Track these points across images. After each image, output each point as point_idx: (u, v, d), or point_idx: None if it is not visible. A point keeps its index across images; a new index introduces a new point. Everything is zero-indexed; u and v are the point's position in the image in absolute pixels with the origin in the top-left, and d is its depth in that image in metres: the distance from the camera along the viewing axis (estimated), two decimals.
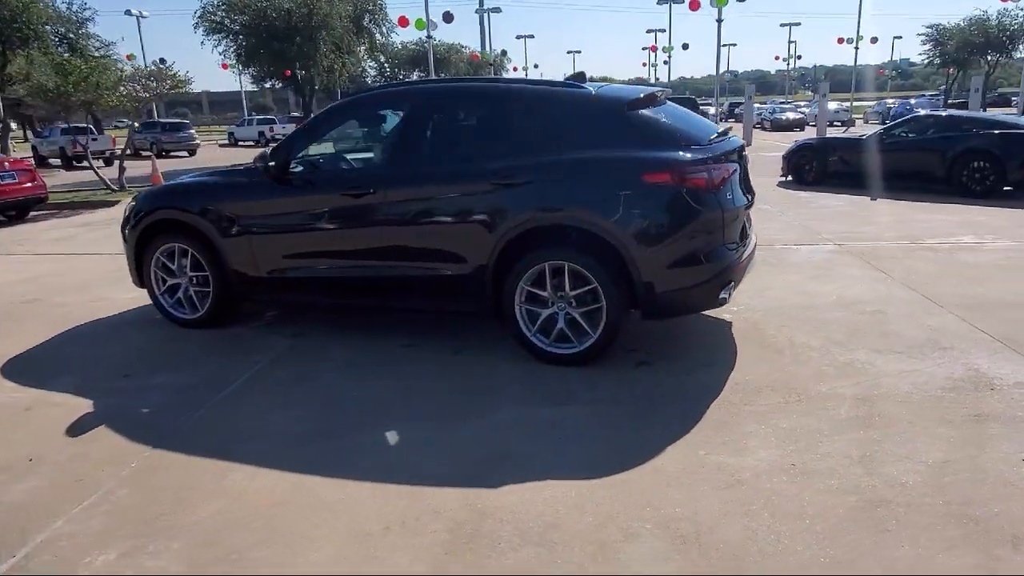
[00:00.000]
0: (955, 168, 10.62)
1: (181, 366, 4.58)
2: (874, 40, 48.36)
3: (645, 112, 4.27)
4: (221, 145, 41.68)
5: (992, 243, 7.44)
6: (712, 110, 34.61)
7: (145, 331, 5.36)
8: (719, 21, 29.38)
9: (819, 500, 2.84)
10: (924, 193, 10.85)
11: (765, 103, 47.29)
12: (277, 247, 4.85)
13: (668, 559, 2.52)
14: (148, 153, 28.91)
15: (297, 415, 3.82)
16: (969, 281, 5.92)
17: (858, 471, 3.05)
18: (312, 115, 26.69)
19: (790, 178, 12.97)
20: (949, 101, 39.83)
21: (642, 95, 4.36)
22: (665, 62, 50.21)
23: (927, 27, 40.81)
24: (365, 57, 30.74)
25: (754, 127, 27.35)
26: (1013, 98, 41.26)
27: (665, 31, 51.35)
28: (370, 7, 28.37)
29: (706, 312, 4.78)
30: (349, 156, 5.67)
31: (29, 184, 11.52)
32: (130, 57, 32.50)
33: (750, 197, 4.55)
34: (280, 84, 32.58)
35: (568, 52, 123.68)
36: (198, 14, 25.32)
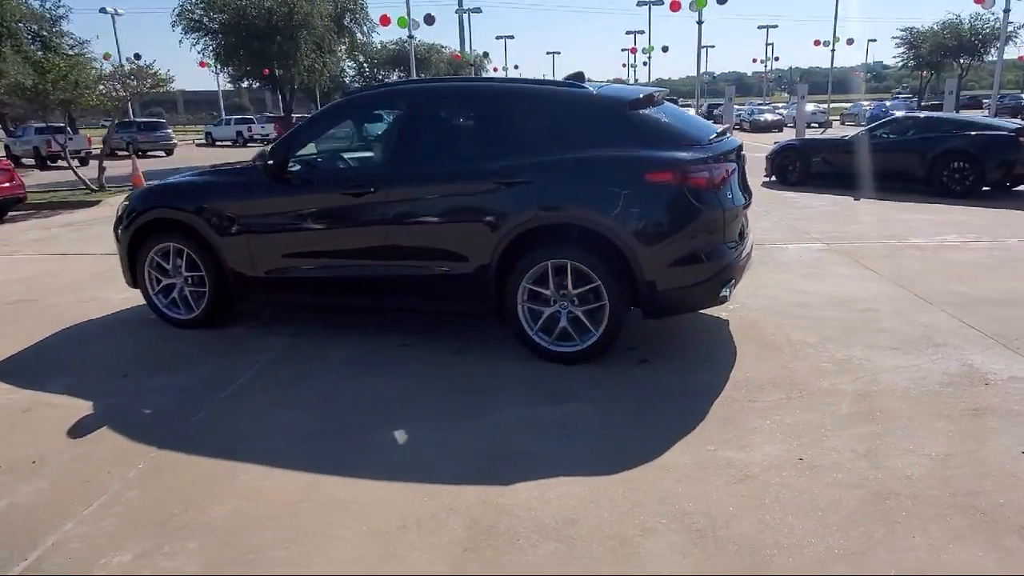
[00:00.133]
0: (935, 169, 10.82)
1: (179, 366, 4.54)
2: (850, 42, 49.26)
3: (646, 112, 4.31)
4: (198, 145, 41.23)
5: (975, 242, 7.59)
6: (692, 111, 34.87)
7: (139, 331, 5.30)
8: (699, 23, 29.64)
9: (828, 493, 2.89)
10: (905, 193, 11.04)
11: (743, 104, 47.72)
12: (276, 246, 4.82)
13: (686, 553, 2.55)
14: (124, 153, 28.55)
15: (300, 415, 3.80)
16: (956, 279, 6.04)
17: (864, 465, 3.11)
18: (290, 114, 26.36)
19: (774, 178, 13.12)
20: (923, 103, 40.49)
21: (642, 95, 4.40)
22: (644, 63, 50.50)
23: (901, 30, 41.59)
24: (343, 57, 30.58)
25: (733, 128, 27.62)
26: (984, 100, 42.11)
27: (644, 32, 51.72)
28: (351, 6, 28.26)
29: (704, 310, 4.82)
30: (349, 155, 5.64)
31: (7, 184, 11.31)
32: (107, 56, 32.02)
33: (748, 197, 4.61)
34: (257, 84, 32.35)
35: (548, 53, 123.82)
36: (176, 12, 25.05)
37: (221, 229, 4.90)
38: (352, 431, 3.60)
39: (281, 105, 55.58)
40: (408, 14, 29.70)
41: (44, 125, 19.80)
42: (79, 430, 3.66)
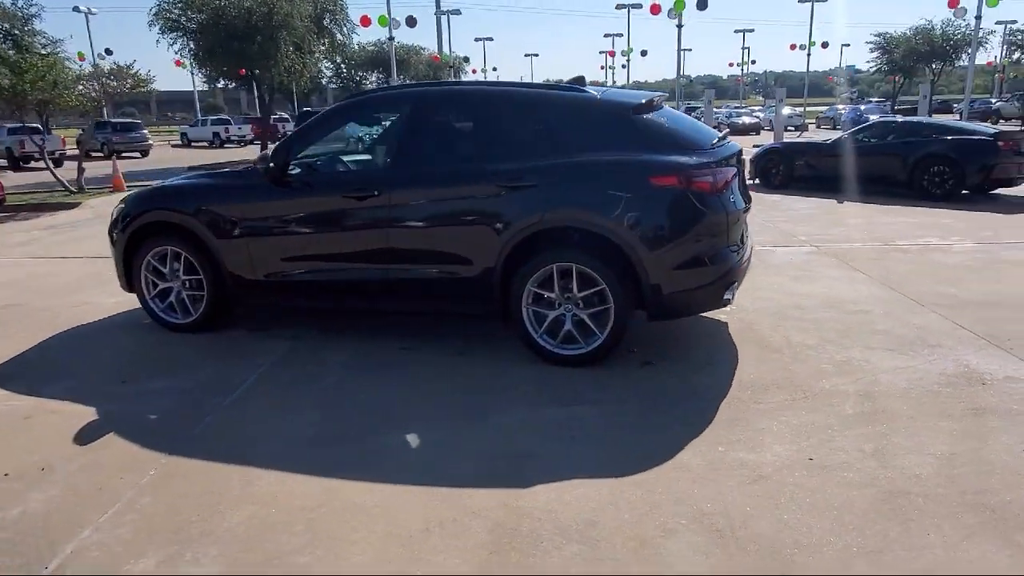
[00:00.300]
0: (916, 172, 11.03)
1: (179, 371, 4.50)
2: (825, 45, 49.88)
3: (649, 116, 4.36)
4: (174, 146, 40.78)
5: (959, 245, 7.75)
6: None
7: (135, 335, 5.24)
8: (679, 26, 29.91)
9: (841, 493, 2.95)
10: (887, 196, 11.24)
11: (720, 108, 48.22)
12: (277, 250, 4.80)
13: (708, 553, 2.58)
14: (99, 154, 28.12)
15: (307, 419, 3.79)
16: (943, 281, 6.16)
17: (873, 464, 3.17)
18: (269, 115, 25.98)
19: (757, 181, 13.28)
20: (896, 108, 41.17)
21: (644, 100, 4.45)
22: (623, 66, 50.82)
23: (875, 35, 42.14)
24: (321, 58, 30.30)
25: None
26: (955, 105, 42.94)
27: (622, 35, 52.02)
28: (331, 7, 28.00)
29: (705, 313, 4.88)
30: (351, 158, 5.63)
31: None
32: (81, 57, 31.50)
33: (748, 201, 4.67)
34: (233, 84, 32.00)
35: (526, 55, 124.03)
36: (153, 12, 24.67)
37: (220, 232, 4.87)
38: (361, 434, 3.60)
39: (259, 106, 55.12)
40: (389, 13, 29.63)
41: (20, 125, 19.44)
42: (85, 436, 3.62)
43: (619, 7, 45.15)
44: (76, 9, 42.02)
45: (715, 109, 37.87)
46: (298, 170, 4.87)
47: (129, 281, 5.28)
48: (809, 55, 44.38)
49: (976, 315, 5.19)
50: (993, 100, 44.43)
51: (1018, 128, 17.76)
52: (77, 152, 29.88)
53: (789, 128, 38.27)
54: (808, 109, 47.41)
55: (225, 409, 3.92)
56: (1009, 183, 10.99)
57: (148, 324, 5.33)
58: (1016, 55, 42.36)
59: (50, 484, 3.16)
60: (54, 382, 4.33)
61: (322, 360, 4.64)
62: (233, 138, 40.16)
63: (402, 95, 5.06)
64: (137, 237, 5.15)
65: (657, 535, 2.70)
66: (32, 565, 2.59)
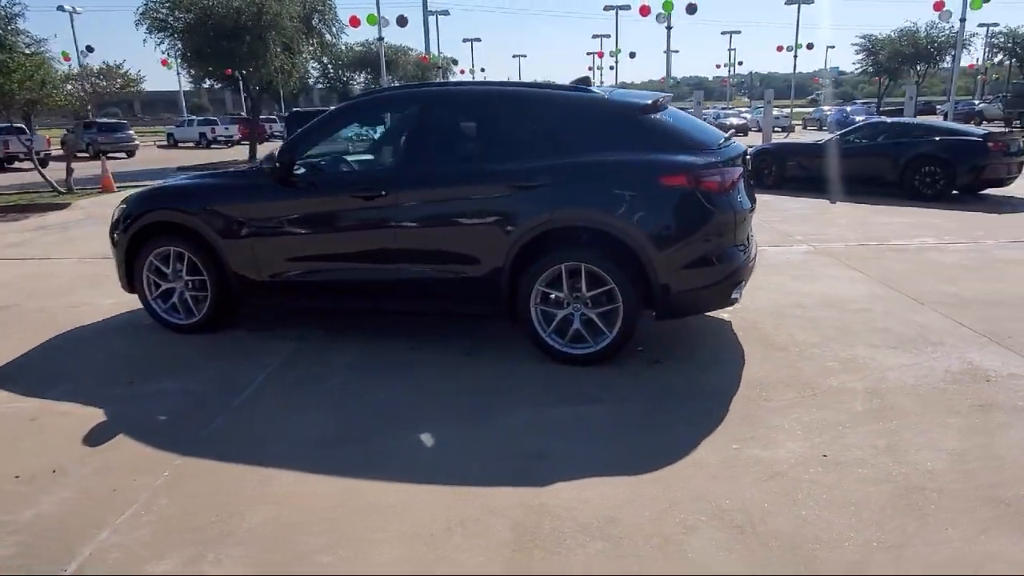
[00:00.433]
0: (907, 173, 11.14)
1: (184, 372, 4.46)
2: (810, 47, 50.30)
3: (657, 117, 4.38)
4: (160, 146, 40.48)
5: (953, 244, 7.84)
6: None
7: (136, 337, 5.19)
8: (668, 28, 30.04)
9: (858, 488, 2.97)
10: (878, 196, 11.34)
11: (708, 109, 48.48)
12: (282, 250, 4.78)
13: (731, 549, 2.60)
14: (84, 154, 27.81)
15: (318, 420, 3.78)
16: (942, 280, 6.23)
17: (886, 460, 3.20)
18: (258, 115, 25.79)
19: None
20: (881, 109, 41.57)
21: (651, 101, 4.47)
22: (611, 67, 50.98)
23: (860, 37, 42.58)
24: (308, 58, 30.14)
25: None
26: (938, 106, 43.40)
27: (610, 36, 52.16)
28: (320, 7, 27.89)
29: (711, 311, 4.91)
30: (357, 158, 5.61)
31: None
32: (66, 57, 31.17)
33: (753, 201, 4.70)
34: (219, 84, 31.81)
35: (514, 56, 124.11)
36: (140, 12, 24.47)
37: (225, 232, 4.84)
38: (373, 435, 3.59)
39: (246, 106, 54.71)
40: (378, 11, 29.57)
41: (7, 125, 19.19)
42: (94, 438, 3.58)
43: (607, 8, 45.31)
44: (61, 8, 41.64)
45: (704, 110, 38.07)
46: (303, 170, 4.86)
47: (130, 282, 5.23)
48: (796, 57, 44.73)
49: (976, 314, 5.25)
50: (976, 102, 44.90)
51: (1002, 129, 17.97)
52: (62, 152, 29.75)
53: (776, 129, 38.58)
54: (794, 110, 47.74)
55: (234, 410, 3.90)
56: (999, 183, 11.12)
57: (149, 325, 5.29)
58: (998, 57, 42.96)
59: (62, 486, 3.12)
60: (57, 384, 4.29)
61: (328, 361, 4.62)
62: (220, 138, 39.90)
63: (410, 95, 5.05)
64: (139, 238, 5.11)
65: (678, 532, 2.71)
66: (50, 567, 2.56)
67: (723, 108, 53.75)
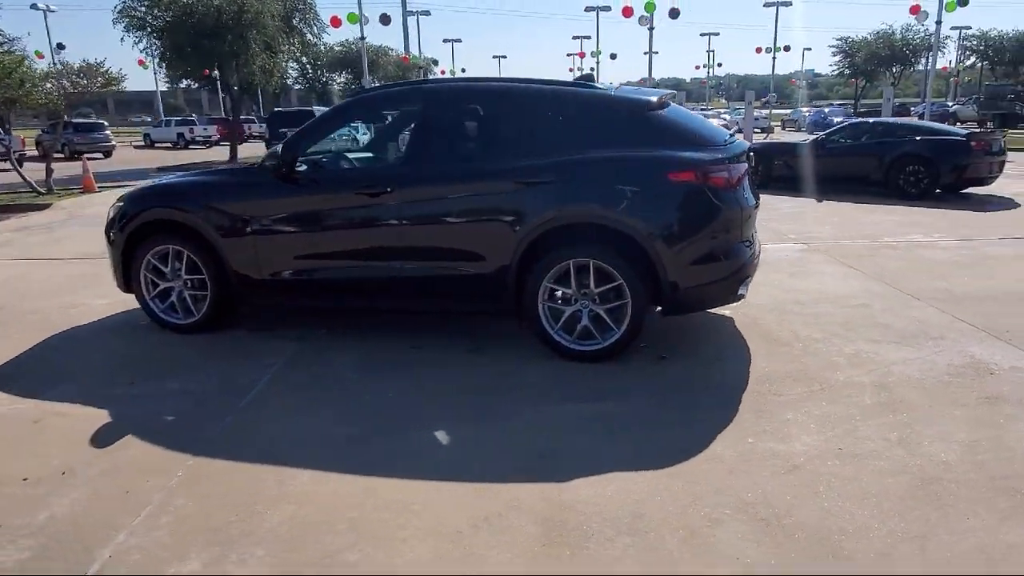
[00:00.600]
0: (892, 172, 11.30)
1: (187, 372, 4.40)
2: (787, 49, 50.69)
3: (663, 113, 4.39)
4: (136, 147, 39.94)
5: (942, 241, 7.96)
6: None
7: (134, 337, 5.11)
8: (651, 29, 30.21)
9: (876, 480, 3.00)
10: (864, 195, 11.49)
11: (691, 110, 48.88)
12: (284, 248, 4.73)
13: (758, 542, 2.61)
14: (59, 155, 27.32)
15: (329, 419, 3.74)
16: (935, 277, 6.32)
17: (900, 452, 3.24)
18: (238, 115, 25.50)
19: None
20: (858, 111, 42.16)
21: (657, 97, 4.48)
22: (592, 68, 51.12)
23: (838, 39, 43.22)
24: (286, 59, 29.90)
25: None
26: (912, 108, 44.06)
27: (591, 38, 52.38)
28: (300, 6, 27.69)
29: (717, 307, 4.94)
30: (359, 155, 5.56)
31: None
32: (39, 55, 30.63)
33: (757, 198, 4.73)
34: (197, 85, 31.47)
35: (494, 56, 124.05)
36: (118, 9, 24.11)
37: (225, 230, 4.78)
38: (385, 433, 3.56)
39: (224, 106, 54.08)
40: (360, 11, 29.40)
41: None
42: (102, 439, 3.51)
43: (588, 9, 45.46)
44: (34, 6, 40.90)
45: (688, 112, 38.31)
46: (305, 167, 4.81)
47: (127, 281, 5.14)
48: (775, 59, 45.21)
49: (971, 309, 5.32)
50: (949, 103, 45.69)
51: (985, 129, 18.30)
52: (37, 153, 29.19)
53: (755, 130, 38.94)
54: (773, 112, 48.23)
55: (241, 411, 3.85)
56: (980, 182, 11.31)
57: (146, 325, 5.21)
58: (971, 60, 43.73)
59: (73, 488, 3.06)
60: (58, 385, 4.21)
61: (332, 360, 4.58)
62: (198, 139, 39.44)
63: (416, 91, 5.03)
64: (136, 236, 5.02)
65: (704, 525, 2.71)
66: (70, 570, 2.51)
67: (702, 109, 54.16)
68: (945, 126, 13.09)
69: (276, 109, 30.18)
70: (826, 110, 40.95)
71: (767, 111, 45.32)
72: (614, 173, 4.17)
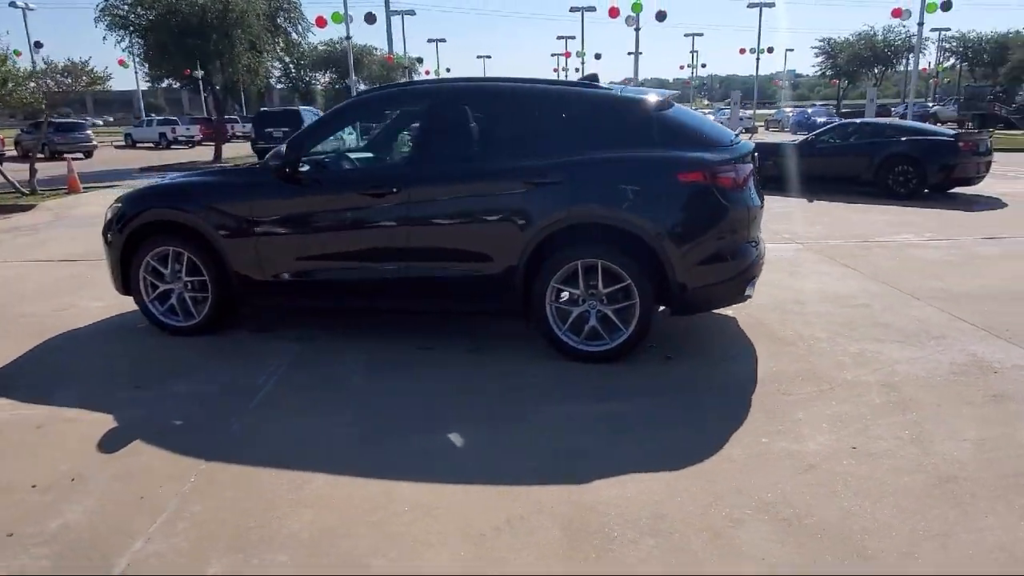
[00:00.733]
0: (881, 172, 11.42)
1: (191, 375, 4.34)
2: (770, 50, 51.20)
3: (670, 114, 4.40)
4: (117, 146, 39.47)
5: (933, 241, 8.05)
6: None
7: (133, 339, 5.04)
8: (637, 30, 30.31)
9: (893, 479, 3.02)
10: (854, 195, 11.60)
11: None
12: (287, 249, 4.68)
13: (782, 542, 2.61)
14: (39, 155, 26.92)
15: (340, 421, 3.71)
16: (930, 276, 6.38)
17: (914, 451, 3.26)
18: (223, 115, 25.31)
19: None
20: (840, 111, 42.57)
21: (661, 98, 4.48)
22: (577, 69, 51.24)
23: (820, 40, 43.61)
24: (271, 58, 29.71)
25: None
26: (892, 108, 44.55)
27: (575, 38, 52.48)
28: (285, 5, 27.52)
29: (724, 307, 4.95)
30: (364, 154, 5.51)
31: None
32: (17, 53, 30.16)
33: (762, 198, 4.75)
34: (179, 84, 31.20)
35: (478, 56, 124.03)
36: (100, 7, 23.82)
37: (226, 231, 4.72)
38: (398, 435, 3.53)
39: (207, 106, 53.60)
40: (345, 11, 29.26)
41: None
42: (109, 444, 3.46)
43: (573, 10, 45.56)
44: (13, 4, 40.28)
45: None
46: (307, 167, 4.76)
47: (126, 283, 5.06)
48: (758, 59, 45.58)
49: (971, 308, 5.38)
50: (930, 104, 46.27)
51: (972, 130, 18.54)
52: (16, 152, 28.75)
53: (740, 130, 39.19)
54: (756, 112, 48.59)
55: (251, 413, 3.80)
56: (967, 182, 11.46)
57: (144, 328, 5.14)
58: (950, 61, 44.28)
59: (84, 495, 3.01)
60: (60, 389, 4.14)
61: (336, 362, 4.54)
62: (180, 139, 39.05)
63: (422, 91, 5.00)
64: (135, 238, 4.95)
65: (727, 526, 2.72)
66: None
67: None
68: (934, 127, 13.25)
69: (262, 109, 29.96)
70: (809, 110, 41.31)
71: (751, 111, 45.63)
72: (623, 173, 4.17)
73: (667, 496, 2.93)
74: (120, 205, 5.07)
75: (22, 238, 9.51)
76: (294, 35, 28.80)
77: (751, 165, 4.47)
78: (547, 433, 3.54)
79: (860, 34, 40.31)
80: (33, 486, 3.08)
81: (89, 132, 31.60)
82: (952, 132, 11.84)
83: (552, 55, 66.99)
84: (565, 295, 4.35)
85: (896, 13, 27.35)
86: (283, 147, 4.57)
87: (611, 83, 5.45)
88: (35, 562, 2.56)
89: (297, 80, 51.01)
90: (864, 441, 3.36)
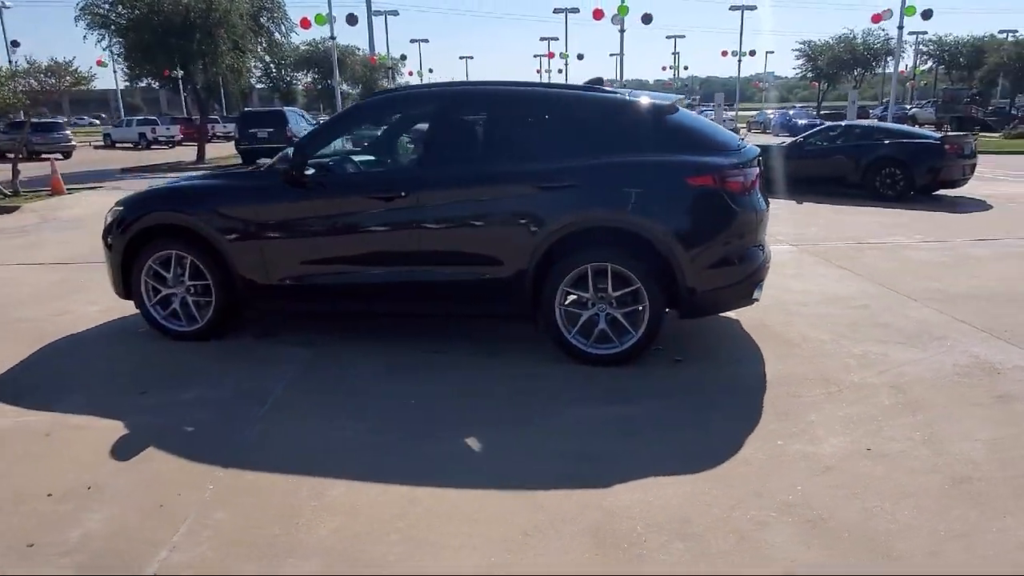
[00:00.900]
0: (869, 174, 11.57)
1: (198, 381, 4.29)
2: (752, 53, 51.66)
3: (678, 118, 4.42)
4: (96, 147, 38.97)
5: (924, 242, 8.17)
6: None
7: (135, 344, 4.97)
8: (622, 31, 30.45)
9: (910, 480, 3.06)
10: (841, 197, 11.74)
11: None
12: (294, 252, 4.65)
13: (808, 544, 2.64)
14: (12, 156, 26.49)
15: (355, 426, 3.69)
16: (926, 277, 6.48)
17: (927, 452, 3.31)
18: (206, 116, 25.04)
19: None
20: (821, 113, 43.04)
21: (670, 102, 4.51)
22: (560, 71, 51.40)
23: (800, 43, 44.11)
24: (252, 58, 29.47)
25: None
26: (870, 111, 45.12)
27: (559, 39, 52.59)
28: (268, 4, 27.31)
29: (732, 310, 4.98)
30: (371, 158, 5.48)
31: None
32: None
33: (767, 202, 4.79)
34: (159, 84, 30.86)
35: (460, 57, 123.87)
36: (80, 6, 23.49)
37: (231, 235, 4.68)
38: (416, 440, 3.52)
39: (186, 105, 53.02)
40: (329, 11, 29.12)
41: None
42: (122, 452, 3.41)
43: (557, 11, 45.66)
44: None
45: None
46: (313, 170, 4.73)
47: (127, 288, 5.00)
48: (740, 62, 45.97)
49: (968, 308, 5.47)
50: (908, 106, 46.93)
51: (958, 133, 18.77)
52: None
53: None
54: (739, 114, 48.98)
55: (262, 420, 3.77)
56: (953, 184, 11.63)
57: (145, 333, 5.08)
58: (928, 64, 44.93)
59: (102, 503, 2.97)
60: (65, 396, 4.08)
61: (346, 366, 4.52)
62: (161, 139, 38.56)
63: (431, 94, 4.98)
64: (137, 242, 4.89)
65: (752, 528, 2.74)
66: None
67: None
68: (920, 130, 13.45)
69: (246, 109, 29.71)
70: (790, 112, 41.70)
71: (734, 112, 45.99)
72: (634, 177, 4.18)
73: (689, 499, 2.94)
74: (121, 208, 5.00)
75: (8, 241, 9.35)
76: (277, 35, 28.59)
77: (757, 169, 4.50)
78: (564, 437, 3.54)
79: (840, 37, 40.96)
80: (48, 495, 3.04)
81: (68, 132, 31.15)
82: (938, 135, 12.02)
83: (535, 56, 67.12)
84: (573, 298, 4.35)
85: (876, 18, 27.70)
86: (290, 150, 4.54)
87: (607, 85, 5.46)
88: (58, 572, 2.52)
89: (278, 80, 50.62)
90: (878, 442, 3.40)
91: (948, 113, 37.03)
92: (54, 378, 4.40)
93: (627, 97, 4.46)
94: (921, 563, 2.51)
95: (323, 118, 42.16)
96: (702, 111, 46.59)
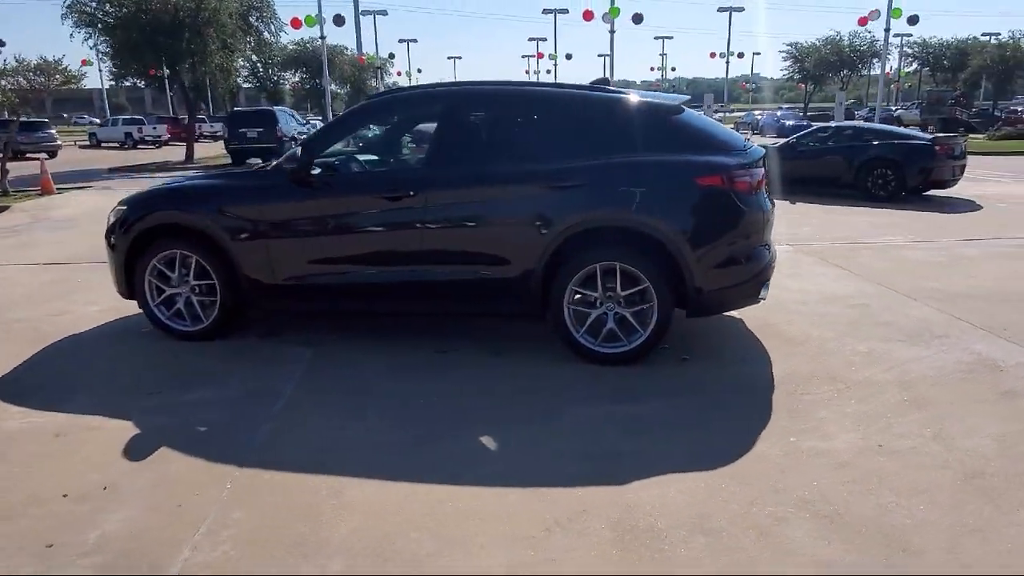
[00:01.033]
0: (861, 175, 11.68)
1: (205, 381, 4.28)
2: (740, 55, 52.01)
3: (685, 118, 4.45)
4: (82, 146, 38.62)
5: (917, 242, 8.26)
6: None
7: (138, 345, 4.95)
8: (612, 32, 30.54)
9: (923, 476, 3.10)
10: (834, 197, 11.85)
11: None
12: (300, 252, 4.64)
13: (828, 540, 2.66)
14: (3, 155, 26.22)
15: (370, 426, 3.69)
16: (921, 277, 6.55)
17: (938, 447, 3.35)
18: (194, 115, 24.90)
19: None
20: (808, 114, 43.35)
21: (678, 102, 4.54)
22: (548, 71, 51.50)
23: (787, 44, 44.44)
24: (239, 57, 29.30)
25: None
26: (856, 112, 45.49)
27: (547, 40, 52.71)
28: (257, 4, 27.20)
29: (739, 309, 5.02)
30: (377, 157, 5.47)
31: None
32: None
33: (772, 202, 4.83)
34: (145, 84, 30.67)
35: (449, 57, 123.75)
36: (66, 4, 23.28)
37: (237, 234, 4.66)
38: (431, 439, 3.53)
39: (172, 105, 52.66)
40: (319, 11, 29.02)
41: None
42: (136, 452, 3.39)
43: (546, 11, 45.74)
44: None
45: None
46: (319, 170, 4.72)
47: (131, 288, 4.97)
48: (728, 63, 46.26)
49: (964, 307, 5.54)
50: (893, 108, 47.37)
51: (949, 134, 18.98)
52: None
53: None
54: (727, 115, 49.27)
55: (276, 419, 3.76)
56: (943, 185, 11.77)
57: (149, 332, 5.05)
58: (913, 66, 45.38)
59: (120, 504, 2.95)
60: (72, 396, 4.05)
61: (354, 365, 4.52)
62: (147, 139, 38.26)
63: (439, 94, 4.98)
64: (141, 241, 4.86)
65: (772, 524, 2.76)
66: None
67: None
68: (910, 131, 13.59)
69: (235, 109, 29.53)
70: (778, 113, 42.00)
71: (722, 114, 46.24)
72: (643, 177, 4.21)
73: (707, 496, 2.97)
74: (125, 208, 4.97)
75: (1, 241, 9.25)
76: (267, 35, 28.48)
77: (763, 169, 4.54)
78: (578, 435, 3.56)
79: (827, 39, 41.34)
80: (64, 496, 3.02)
81: (53, 131, 30.82)
82: (929, 136, 12.16)
83: (523, 56, 67.18)
84: (580, 297, 4.37)
85: (863, 21, 27.96)
86: (297, 149, 4.53)
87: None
88: (81, 573, 2.51)
89: (265, 79, 50.34)
90: (889, 439, 3.44)
91: (933, 115, 37.38)
92: (58, 379, 4.37)
93: (634, 97, 4.49)
94: (939, 558, 2.55)
95: (311, 117, 42.12)
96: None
